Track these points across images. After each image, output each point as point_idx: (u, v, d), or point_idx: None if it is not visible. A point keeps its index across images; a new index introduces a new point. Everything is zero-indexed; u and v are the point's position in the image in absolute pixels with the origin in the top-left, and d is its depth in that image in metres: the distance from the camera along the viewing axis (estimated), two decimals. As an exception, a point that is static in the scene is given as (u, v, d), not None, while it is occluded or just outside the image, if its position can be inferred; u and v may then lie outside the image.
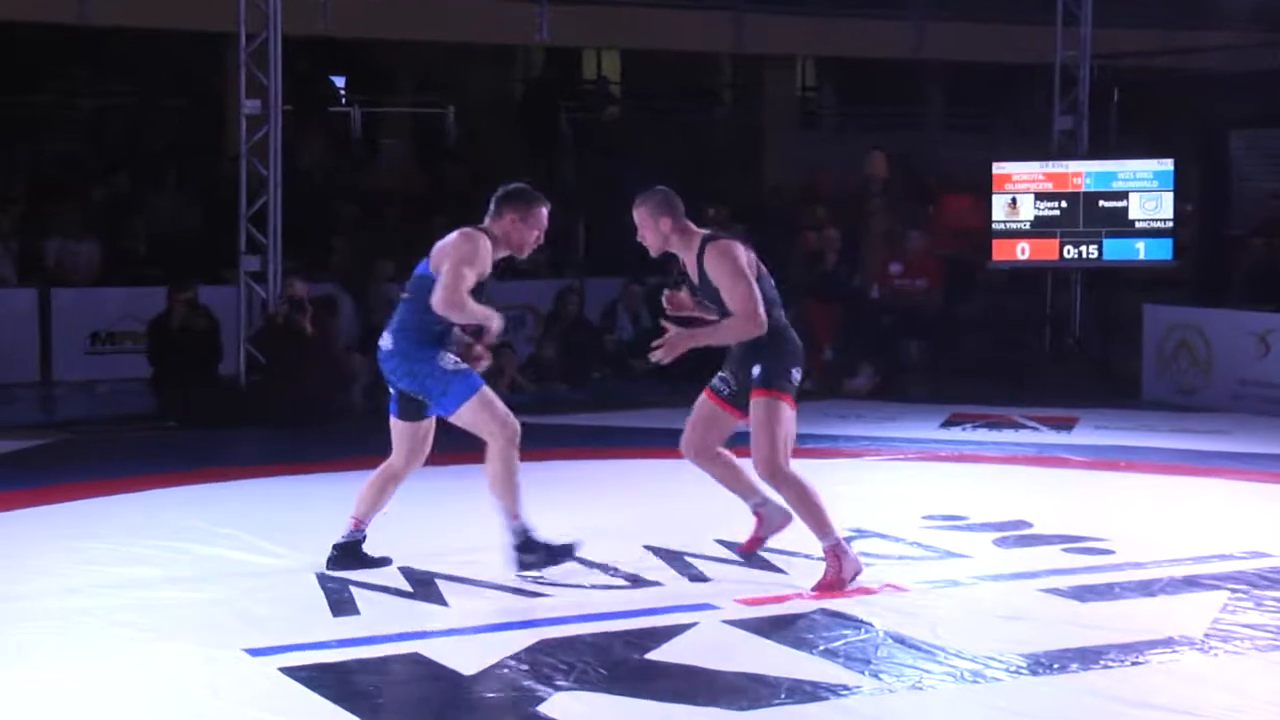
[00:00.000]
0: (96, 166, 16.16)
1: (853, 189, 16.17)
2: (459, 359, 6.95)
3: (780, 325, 6.98)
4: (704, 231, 6.98)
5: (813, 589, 6.84)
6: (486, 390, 6.94)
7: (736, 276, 6.78)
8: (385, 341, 7.01)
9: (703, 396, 7.19)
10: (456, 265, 6.79)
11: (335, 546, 7.28)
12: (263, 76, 12.72)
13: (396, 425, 7.20)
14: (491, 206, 7.08)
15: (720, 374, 7.17)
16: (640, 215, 6.98)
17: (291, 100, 14.17)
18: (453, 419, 7.00)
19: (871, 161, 16.43)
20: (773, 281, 7.04)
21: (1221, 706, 5.39)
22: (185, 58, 16.94)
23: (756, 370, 6.92)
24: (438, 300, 6.76)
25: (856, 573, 6.94)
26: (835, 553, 6.91)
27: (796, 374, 6.97)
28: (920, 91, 20.56)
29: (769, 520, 7.34)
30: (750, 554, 7.39)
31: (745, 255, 6.87)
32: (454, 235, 6.98)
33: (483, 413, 6.90)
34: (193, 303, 12.63)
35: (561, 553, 7.05)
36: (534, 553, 6.99)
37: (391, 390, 7.13)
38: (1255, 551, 7.65)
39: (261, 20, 12.71)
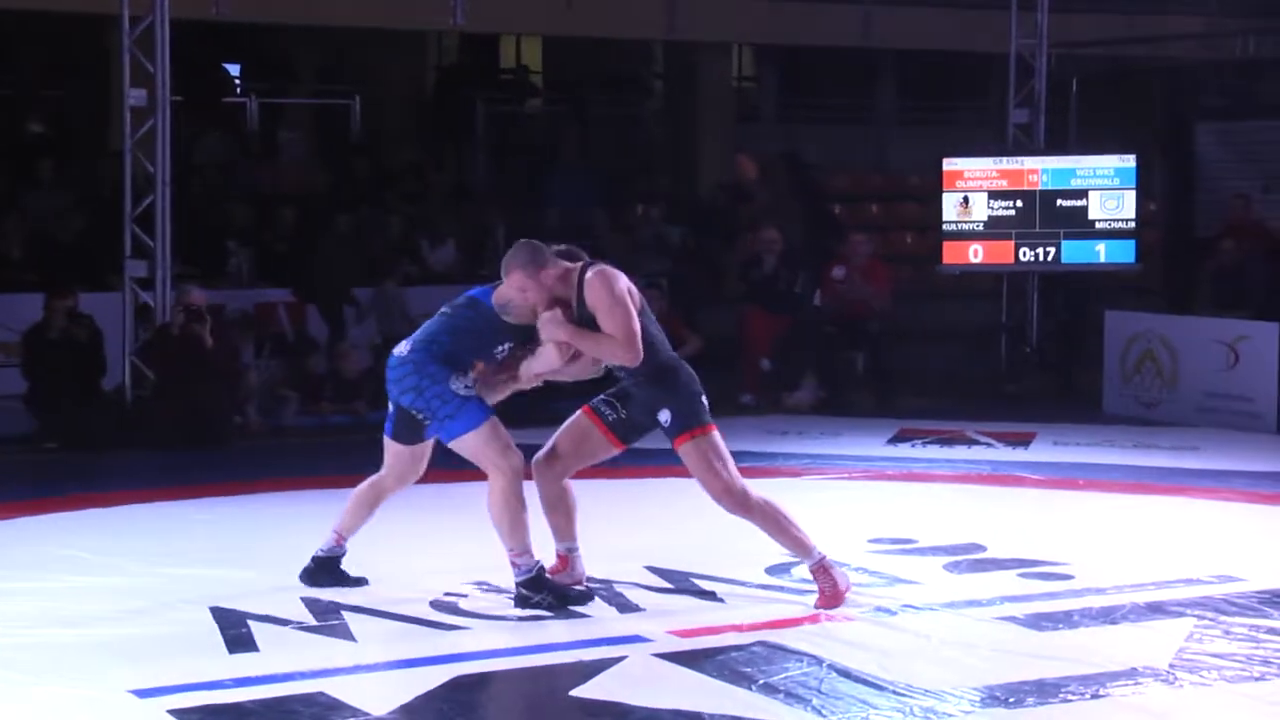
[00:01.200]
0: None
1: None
2: (470, 384, 7.02)
3: (671, 361, 7.11)
4: (580, 263, 7.04)
5: (815, 607, 7.03)
6: (496, 421, 7.03)
7: (614, 303, 6.88)
8: (401, 348, 7.10)
9: (580, 414, 7.25)
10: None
11: (314, 559, 7.40)
12: (149, 64, 12.65)
13: (390, 445, 7.29)
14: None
15: (605, 397, 7.24)
16: (519, 279, 6.93)
17: (181, 90, 14.09)
18: (453, 444, 7.06)
19: (738, 165, 16.56)
20: (656, 320, 7.16)
21: (1187, 741, 5.50)
22: (63, 43, 16.79)
23: (666, 417, 7.03)
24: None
25: (848, 586, 7.17)
26: (823, 568, 7.13)
27: (705, 401, 7.11)
28: (868, 82, 20.72)
29: (571, 569, 7.38)
30: None
31: (624, 284, 6.97)
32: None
33: (489, 445, 6.98)
34: (73, 311, 12.53)
35: (575, 598, 7.11)
36: (541, 591, 7.03)
37: (390, 407, 7.20)
38: (1223, 575, 7.77)
39: (147, 2, 12.64)
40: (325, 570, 7.40)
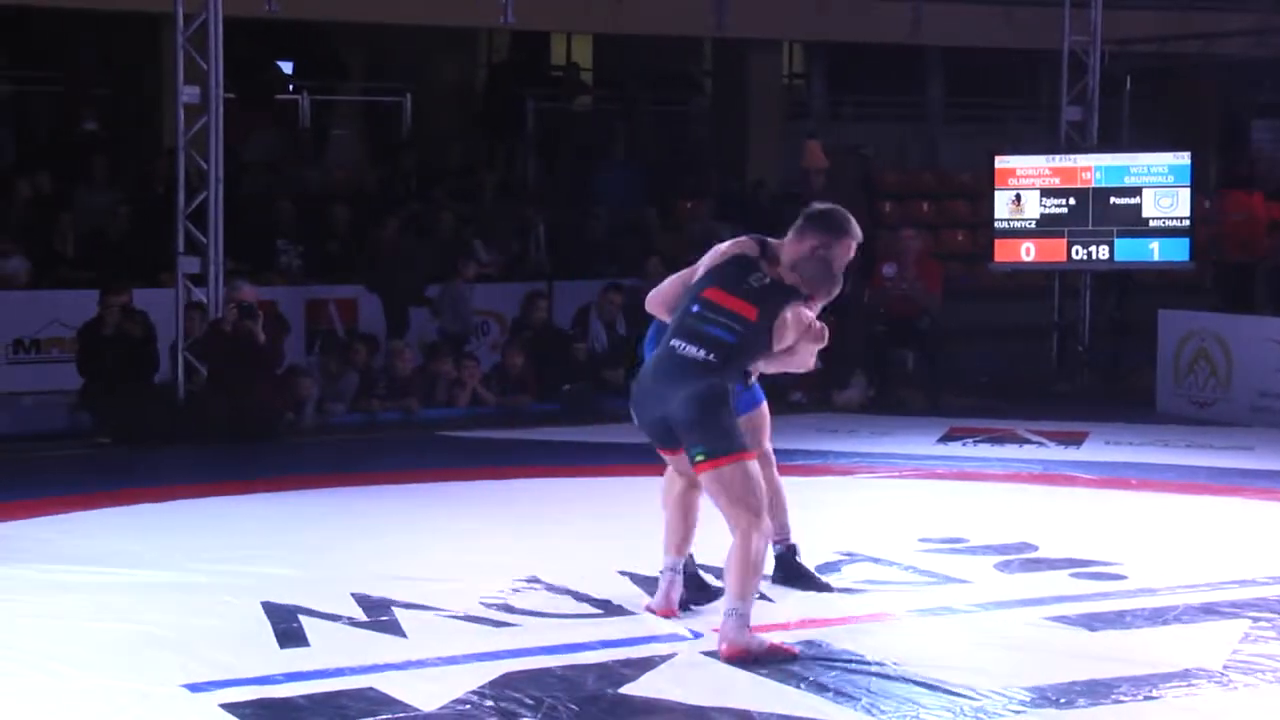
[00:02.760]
0: (17, 160, 16.12)
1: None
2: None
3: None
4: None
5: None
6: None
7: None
8: None
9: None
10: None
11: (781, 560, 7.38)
12: (202, 61, 12.73)
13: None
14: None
15: None
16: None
17: (234, 87, 14.16)
18: None
19: (807, 152, 16.46)
20: (760, 330, 6.85)
21: (1241, 743, 5.47)
22: (115, 40, 16.91)
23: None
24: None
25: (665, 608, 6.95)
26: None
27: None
28: (918, 79, 20.66)
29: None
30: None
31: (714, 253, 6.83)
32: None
33: None
34: (127, 307, 12.62)
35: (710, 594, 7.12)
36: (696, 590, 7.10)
37: None
38: (1278, 577, 7.71)
39: (200, 0, 12.72)
40: (792, 574, 7.37)
